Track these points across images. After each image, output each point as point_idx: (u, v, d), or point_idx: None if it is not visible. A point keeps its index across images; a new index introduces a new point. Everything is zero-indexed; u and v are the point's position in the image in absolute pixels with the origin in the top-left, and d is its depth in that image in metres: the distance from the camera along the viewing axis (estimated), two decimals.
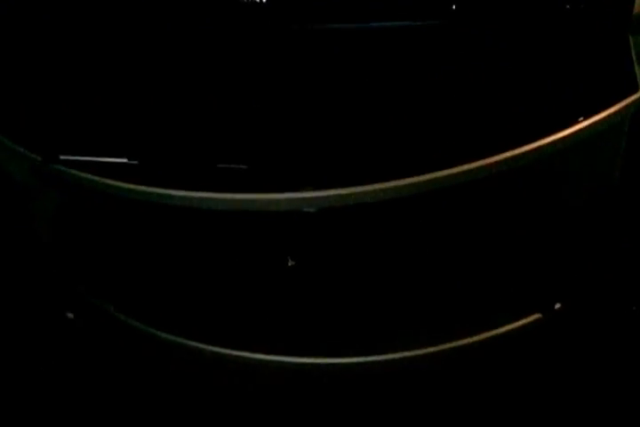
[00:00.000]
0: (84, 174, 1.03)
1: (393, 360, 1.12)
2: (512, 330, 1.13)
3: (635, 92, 1.00)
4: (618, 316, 1.16)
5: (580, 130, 0.99)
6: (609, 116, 1.00)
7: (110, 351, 1.21)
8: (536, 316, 1.13)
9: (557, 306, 1.14)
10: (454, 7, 1.00)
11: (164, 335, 1.14)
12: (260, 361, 1.11)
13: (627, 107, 1.00)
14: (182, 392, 1.18)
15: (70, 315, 1.21)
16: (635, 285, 1.16)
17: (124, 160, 1.03)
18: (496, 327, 1.13)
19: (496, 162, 0.99)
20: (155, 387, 1.19)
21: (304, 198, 0.99)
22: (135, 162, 1.03)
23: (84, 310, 1.21)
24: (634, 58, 1.01)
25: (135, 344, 1.19)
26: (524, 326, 1.13)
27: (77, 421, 1.18)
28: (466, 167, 0.98)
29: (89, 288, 1.20)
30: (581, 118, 0.99)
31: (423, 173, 0.98)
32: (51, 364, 1.21)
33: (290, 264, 1.13)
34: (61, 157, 1.04)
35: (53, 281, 1.21)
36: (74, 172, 1.03)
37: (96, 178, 1.03)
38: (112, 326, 1.18)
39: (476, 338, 1.12)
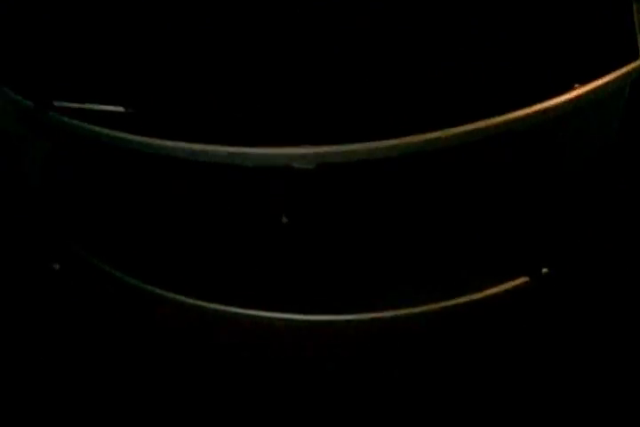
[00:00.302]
0: (78, 122, 1.01)
1: (379, 319, 1.13)
2: (499, 293, 1.14)
3: (636, 58, 1.01)
4: (606, 282, 1.17)
5: (580, 95, 1.00)
6: (609, 82, 1.00)
7: (96, 304, 1.20)
8: (523, 279, 1.15)
9: (545, 270, 1.15)
10: None
11: (151, 289, 1.14)
12: (252, 317, 1.11)
13: (627, 73, 1.01)
14: (169, 347, 1.17)
15: (56, 266, 1.20)
16: (622, 250, 1.18)
17: (120, 108, 1.00)
18: (483, 289, 1.14)
19: (495, 124, 0.99)
20: (141, 341, 1.18)
21: (300, 154, 0.98)
22: (130, 110, 1.00)
23: (71, 262, 1.19)
24: (636, 25, 1.02)
25: (122, 297, 1.17)
26: (510, 290, 1.14)
27: (61, 373, 1.16)
28: (466, 128, 0.98)
29: (76, 240, 1.19)
30: (581, 84, 0.99)
31: (422, 132, 0.98)
32: (35, 315, 1.19)
33: (284, 221, 1.12)
34: (55, 104, 1.02)
35: (40, 232, 1.19)
36: (67, 119, 1.01)
37: (90, 126, 1.00)
38: (98, 278, 1.17)
39: (462, 300, 1.13)
